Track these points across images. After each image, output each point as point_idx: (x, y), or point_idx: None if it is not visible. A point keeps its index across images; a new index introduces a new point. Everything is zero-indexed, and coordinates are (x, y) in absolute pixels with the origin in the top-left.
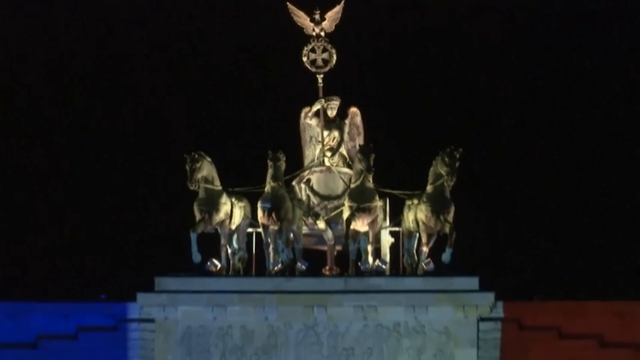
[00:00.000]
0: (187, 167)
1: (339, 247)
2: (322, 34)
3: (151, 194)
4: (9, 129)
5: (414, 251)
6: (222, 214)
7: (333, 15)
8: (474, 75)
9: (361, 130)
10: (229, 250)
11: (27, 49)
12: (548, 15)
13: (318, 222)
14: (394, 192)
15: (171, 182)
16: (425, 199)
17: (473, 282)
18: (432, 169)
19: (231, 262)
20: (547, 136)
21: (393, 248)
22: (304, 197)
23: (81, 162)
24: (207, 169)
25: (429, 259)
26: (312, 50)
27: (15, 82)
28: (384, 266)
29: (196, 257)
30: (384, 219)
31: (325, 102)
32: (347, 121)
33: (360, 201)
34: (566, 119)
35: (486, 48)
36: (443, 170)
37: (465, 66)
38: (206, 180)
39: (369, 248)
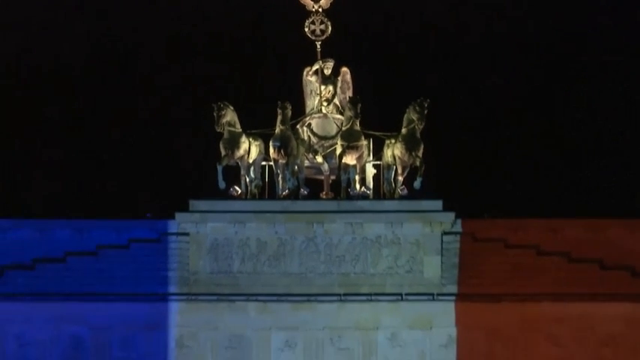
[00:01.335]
0: (215, 114)
1: (333, 177)
2: (320, 9)
3: (189, 135)
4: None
5: (392, 180)
6: (241, 151)
7: None
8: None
9: (350, 85)
10: (247, 179)
11: None
12: None
13: (316, 157)
14: (376, 134)
15: (205, 125)
16: (400, 139)
17: (437, 204)
18: (405, 115)
19: (248, 188)
20: (494, 87)
21: (375, 178)
22: (306, 137)
23: (140, 108)
24: (230, 116)
25: (404, 186)
26: (312, 22)
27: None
28: (368, 192)
29: (221, 184)
30: (368, 155)
31: (322, 63)
32: (339, 78)
33: (350, 140)
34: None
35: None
36: (414, 116)
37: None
38: (229, 124)
39: (357, 178)
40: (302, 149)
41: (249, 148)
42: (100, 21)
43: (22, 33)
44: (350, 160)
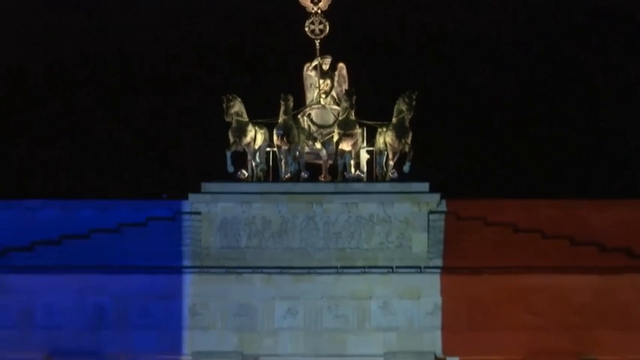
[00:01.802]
0: (224, 105)
1: (330, 162)
2: (319, 11)
3: (202, 124)
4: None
5: (383, 164)
6: (248, 138)
7: None
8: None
9: (346, 79)
10: (253, 164)
11: None
12: None
13: (316, 144)
14: (369, 123)
15: (214, 116)
16: (391, 128)
17: (424, 186)
18: (395, 106)
19: (254, 172)
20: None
21: (369, 162)
22: (306, 126)
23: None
24: (238, 106)
25: (394, 170)
26: (312, 23)
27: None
28: (362, 175)
29: (230, 168)
30: (362, 142)
31: (321, 59)
32: (336, 73)
33: (346, 129)
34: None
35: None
36: (403, 107)
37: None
38: (237, 114)
39: (352, 162)
40: (302, 137)
41: (255, 136)
42: (122, 14)
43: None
44: (346, 146)
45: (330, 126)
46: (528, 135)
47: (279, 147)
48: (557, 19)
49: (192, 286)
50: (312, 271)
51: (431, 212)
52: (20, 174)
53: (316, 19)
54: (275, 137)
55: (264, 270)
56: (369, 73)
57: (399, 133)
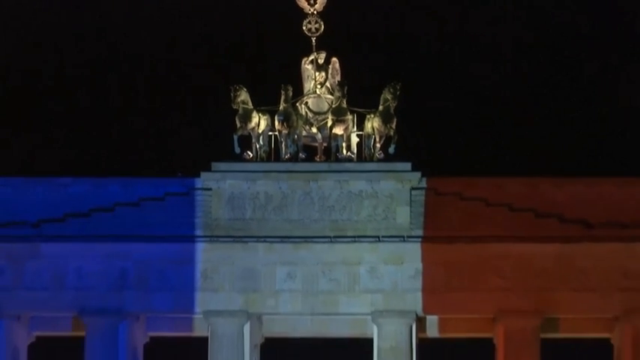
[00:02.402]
0: (232, 94)
1: (325, 144)
2: (315, 12)
3: (212, 110)
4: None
5: (371, 146)
6: (253, 124)
7: (322, 0)
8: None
9: (338, 71)
10: (257, 146)
11: None
12: None
13: (312, 128)
14: (359, 110)
15: (223, 103)
16: (378, 114)
17: (407, 165)
18: (382, 95)
19: (258, 153)
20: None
21: (358, 145)
22: (303, 113)
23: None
24: (244, 95)
25: (381, 151)
26: (309, 22)
27: None
28: (352, 155)
29: (237, 150)
30: (353, 126)
31: (317, 54)
32: (330, 66)
33: (338, 115)
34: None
35: None
36: (389, 96)
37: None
38: (243, 102)
39: (344, 144)
40: (300, 122)
41: (259, 122)
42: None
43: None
44: (338, 130)
45: (325, 113)
46: (498, 119)
47: (279, 131)
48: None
49: (203, 252)
50: (308, 240)
51: (413, 188)
52: (54, 154)
53: (312, 19)
54: (276, 122)
55: (267, 239)
56: (359, 66)
57: (385, 119)
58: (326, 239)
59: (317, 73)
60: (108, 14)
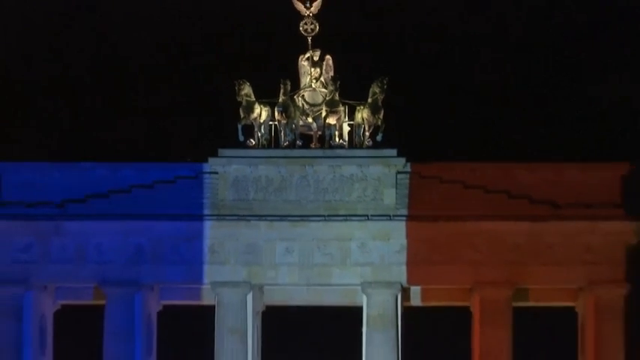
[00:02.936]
0: (236, 88)
1: (319, 133)
2: (311, 14)
3: (220, 103)
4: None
5: (361, 135)
6: (255, 114)
7: (317, 3)
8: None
9: (332, 67)
10: (259, 134)
11: None
12: None
13: (308, 118)
14: (350, 102)
15: (229, 96)
16: (367, 106)
17: (393, 152)
18: (370, 89)
19: (260, 140)
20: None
21: (349, 133)
22: (300, 105)
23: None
24: (247, 89)
25: (370, 139)
26: (305, 23)
27: None
28: (344, 143)
29: (241, 138)
30: (345, 117)
31: (312, 52)
32: (324, 63)
33: (332, 107)
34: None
35: None
36: (377, 90)
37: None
38: (246, 95)
39: (336, 133)
40: (298, 113)
41: (261, 112)
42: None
43: None
44: (332, 120)
45: (320, 104)
46: (475, 110)
47: (279, 121)
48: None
49: (211, 230)
50: (305, 218)
51: (398, 172)
52: (77, 142)
53: (308, 20)
54: (276, 113)
55: (268, 217)
56: (350, 63)
57: (374, 110)
58: (320, 218)
59: (312, 69)
60: (121, 6)
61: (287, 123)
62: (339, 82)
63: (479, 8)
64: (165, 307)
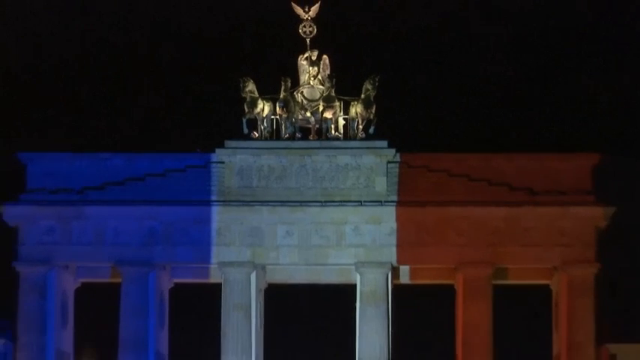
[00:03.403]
0: (241, 85)
1: (317, 126)
2: (309, 18)
3: (226, 99)
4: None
5: (355, 128)
6: (258, 109)
7: (315, 8)
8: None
9: (328, 66)
10: (262, 127)
11: None
12: None
13: (307, 113)
14: (345, 98)
15: (235, 92)
16: (360, 102)
17: (384, 143)
18: (363, 86)
19: (263, 133)
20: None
21: (344, 126)
22: (300, 100)
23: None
24: (251, 86)
25: (363, 131)
26: (304, 26)
27: None
28: (340, 135)
29: (245, 130)
30: (340, 111)
31: (310, 52)
32: (321, 62)
33: (328, 102)
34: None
35: None
36: (369, 87)
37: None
38: (250, 92)
39: (332, 126)
40: (297, 108)
41: (263, 107)
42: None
43: None
44: (328, 115)
45: (317, 100)
46: (460, 104)
47: (280, 115)
48: None
49: (218, 214)
50: (303, 204)
51: (389, 162)
52: (95, 134)
53: (307, 23)
54: (277, 108)
55: (270, 203)
56: (345, 62)
57: (366, 105)
58: (318, 203)
59: (311, 68)
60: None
61: (287, 117)
62: (334, 80)
63: (461, 4)
64: (177, 284)
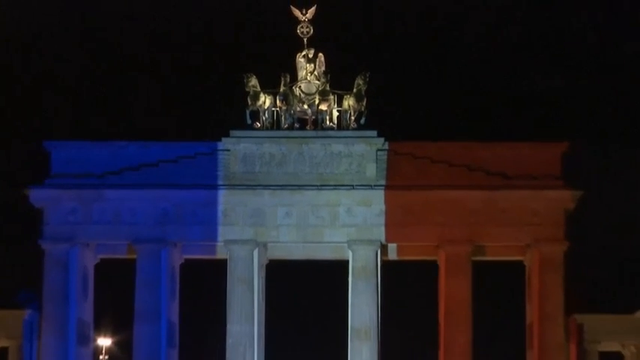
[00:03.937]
0: (245, 80)
1: (313, 117)
2: (306, 19)
3: (231, 93)
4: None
5: (348, 119)
6: (260, 102)
7: (311, 10)
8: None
9: (324, 63)
10: (264, 118)
11: None
12: None
13: (304, 105)
14: (339, 92)
15: (239, 86)
16: (352, 95)
17: (374, 133)
18: (355, 81)
19: (264, 123)
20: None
21: (338, 118)
22: (298, 94)
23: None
24: (253, 81)
25: (355, 122)
26: (302, 27)
27: None
28: (334, 125)
29: (249, 121)
30: (334, 104)
31: (307, 50)
32: (317, 59)
33: (323, 96)
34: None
35: None
36: (361, 82)
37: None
38: (253, 86)
39: (327, 117)
40: (296, 101)
41: (265, 100)
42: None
43: None
44: (323, 107)
45: (314, 94)
46: (443, 96)
47: (280, 107)
48: None
49: (223, 197)
50: (301, 187)
51: (378, 150)
52: (114, 124)
53: (304, 24)
54: (278, 101)
55: (271, 187)
56: (339, 60)
57: (358, 98)
58: (314, 187)
59: (308, 65)
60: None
61: (286, 109)
62: (329, 76)
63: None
64: (187, 260)
